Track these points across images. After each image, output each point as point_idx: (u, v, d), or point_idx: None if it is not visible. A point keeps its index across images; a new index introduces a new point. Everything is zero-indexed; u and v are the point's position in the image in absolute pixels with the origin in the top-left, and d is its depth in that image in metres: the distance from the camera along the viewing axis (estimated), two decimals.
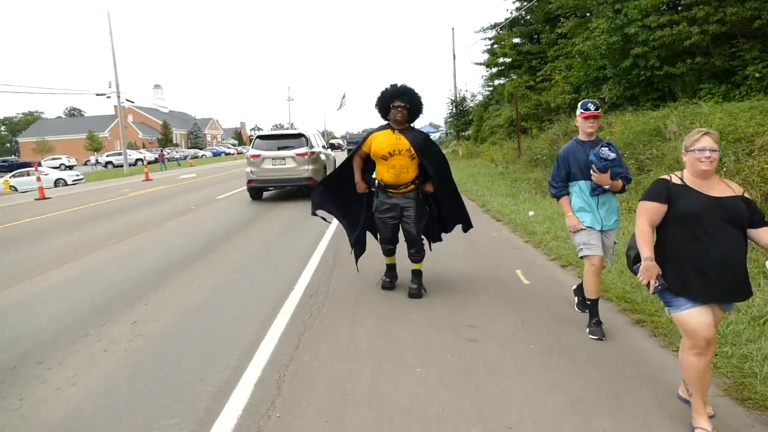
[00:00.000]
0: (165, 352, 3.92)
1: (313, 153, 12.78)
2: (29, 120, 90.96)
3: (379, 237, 5.20)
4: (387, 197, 4.91)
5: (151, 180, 23.69)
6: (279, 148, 12.68)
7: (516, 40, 27.58)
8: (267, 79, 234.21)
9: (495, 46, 28.77)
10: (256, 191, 13.24)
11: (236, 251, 7.35)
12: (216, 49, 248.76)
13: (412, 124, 5.00)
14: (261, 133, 14.72)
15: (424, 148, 4.83)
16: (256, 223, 9.79)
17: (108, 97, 35.56)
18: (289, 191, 14.02)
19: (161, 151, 44.77)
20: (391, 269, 5.30)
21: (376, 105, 4.95)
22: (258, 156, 12.59)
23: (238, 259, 6.84)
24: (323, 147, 15.28)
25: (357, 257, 5.40)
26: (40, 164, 39.21)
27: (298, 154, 12.49)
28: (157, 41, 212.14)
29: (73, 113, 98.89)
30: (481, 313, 4.48)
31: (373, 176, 5.08)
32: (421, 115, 4.95)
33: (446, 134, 43.56)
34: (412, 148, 4.74)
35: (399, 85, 4.87)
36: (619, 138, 11.89)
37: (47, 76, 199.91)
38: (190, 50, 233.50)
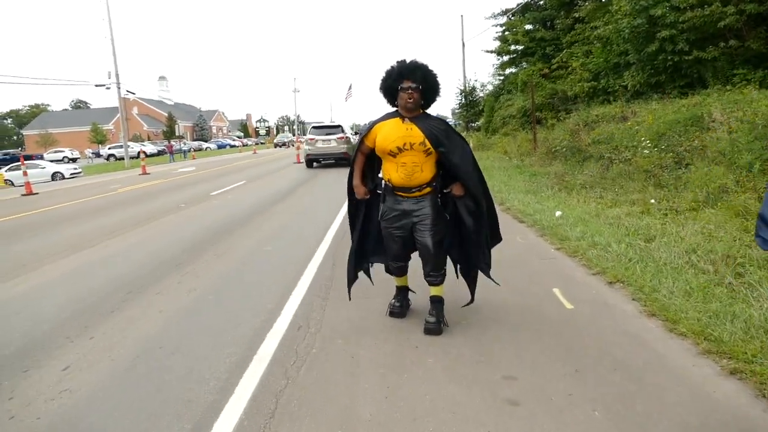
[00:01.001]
0: (87, 421, 2.87)
1: (347, 137, 19.59)
2: (35, 112, 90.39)
3: (386, 252, 4.09)
4: (395, 202, 3.83)
5: (148, 174, 22.72)
6: (326, 134, 19.57)
7: (528, 27, 26.42)
8: (273, 70, 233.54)
9: (506, 33, 27.64)
10: (311, 161, 20.36)
11: (218, 261, 6.29)
12: (222, 41, 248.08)
13: (427, 111, 3.91)
14: (314, 124, 21.96)
15: (444, 140, 3.69)
16: (248, 224, 8.74)
17: (107, 88, 34.61)
18: (327, 164, 20.41)
19: (169, 143, 43.87)
20: (402, 292, 4.22)
21: (380, 88, 3.80)
22: (313, 139, 19.70)
23: (218, 273, 5.78)
24: (351, 133, 22.47)
25: (349, 283, 4.17)
26: (41, 156, 38.56)
27: (338, 138, 19.34)
28: (163, 32, 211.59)
29: (79, 105, 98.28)
30: (519, 355, 3.42)
31: (380, 175, 4.01)
32: (438, 98, 3.86)
33: (455, 125, 42.37)
34: (427, 141, 3.64)
35: (408, 61, 3.75)
36: (650, 128, 10.78)
37: (55, 69, 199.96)
38: (195, 42, 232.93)
